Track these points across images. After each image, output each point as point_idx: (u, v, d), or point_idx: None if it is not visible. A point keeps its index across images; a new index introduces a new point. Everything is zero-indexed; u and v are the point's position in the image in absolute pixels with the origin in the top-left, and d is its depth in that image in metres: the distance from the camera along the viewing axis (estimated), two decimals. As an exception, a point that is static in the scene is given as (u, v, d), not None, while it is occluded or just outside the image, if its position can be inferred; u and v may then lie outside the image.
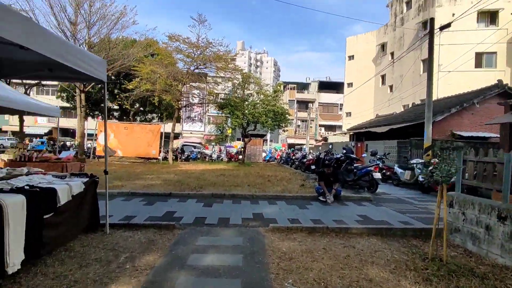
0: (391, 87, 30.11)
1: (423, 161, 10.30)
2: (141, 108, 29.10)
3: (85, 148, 21.54)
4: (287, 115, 20.30)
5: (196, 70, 19.00)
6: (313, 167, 14.54)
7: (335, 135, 31.76)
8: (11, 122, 47.05)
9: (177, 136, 45.87)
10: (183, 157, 26.69)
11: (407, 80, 27.14)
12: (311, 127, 42.85)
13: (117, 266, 3.14)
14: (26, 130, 44.92)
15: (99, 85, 25.82)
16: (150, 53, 20.88)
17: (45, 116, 10.76)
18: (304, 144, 35.72)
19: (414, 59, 25.65)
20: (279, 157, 27.52)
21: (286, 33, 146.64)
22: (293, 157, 20.13)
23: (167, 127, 23.93)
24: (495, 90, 13.42)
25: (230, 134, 42.55)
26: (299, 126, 49.46)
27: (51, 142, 28.27)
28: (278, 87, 20.32)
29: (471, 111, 13.46)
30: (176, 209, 5.86)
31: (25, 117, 51.81)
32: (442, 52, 22.93)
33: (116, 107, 28.85)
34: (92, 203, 4.13)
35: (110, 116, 29.49)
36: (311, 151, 20.26)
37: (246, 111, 19.54)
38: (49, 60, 3.93)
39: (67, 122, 42.71)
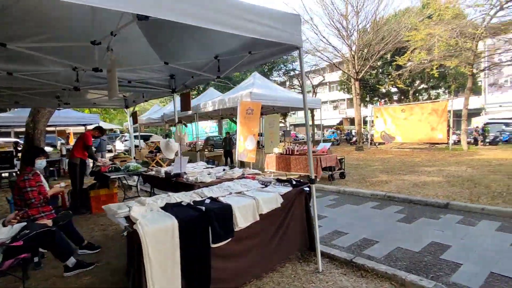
0: None
1: None
2: (423, 85, 25.12)
3: (363, 135, 21.70)
4: None
5: (501, 13, 12.87)
6: None
7: None
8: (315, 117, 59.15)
9: (478, 112, 35.77)
10: (487, 140, 19.84)
11: None
12: None
13: None
14: (324, 122, 54.48)
15: (374, 71, 25.17)
16: (426, 17, 17.09)
17: (309, 109, 11.34)
18: None
19: None
20: None
21: None
22: None
23: (458, 102, 18.54)
24: None
25: None
26: None
27: (338, 131, 31.58)
28: None
29: None
30: (451, 241, 3.32)
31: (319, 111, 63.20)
32: None
33: (394, 89, 26.97)
34: (300, 221, 2.96)
35: (389, 100, 28.06)
36: None
37: None
38: (245, 40, 3.25)
39: (354, 112, 46.74)
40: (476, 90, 30.50)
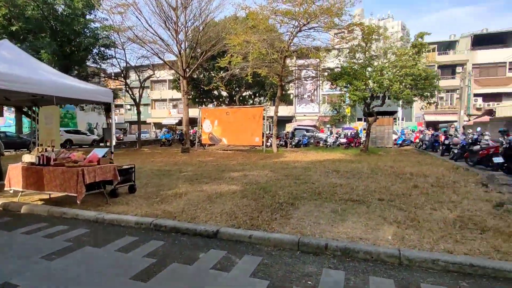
0: None
1: None
2: (249, 92, 27.27)
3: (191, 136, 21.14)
4: (434, 80, 13.73)
5: (300, 34, 14.86)
6: (498, 160, 8.38)
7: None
8: (154, 115, 55.33)
9: (290, 119, 43.12)
10: (293, 144, 23.37)
11: None
12: (457, 99, 32.08)
13: None
14: (163, 121, 51.70)
15: (207, 72, 25.15)
16: (249, 27, 18.04)
17: (97, 103, 9.20)
18: (454, 122, 26.47)
19: None
20: (417, 140, 20.53)
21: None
22: (447, 142, 13.54)
23: (281, 109, 20.90)
24: None
25: (348, 114, 36.56)
26: (441, 98, 38.15)
27: (172, 131, 30.11)
28: (419, 40, 13.82)
29: None
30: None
31: (160, 109, 59.37)
32: None
33: (225, 93, 27.99)
34: None
35: (221, 102, 28.96)
36: (476, 131, 13.04)
37: (369, 80, 14.20)
38: None
39: (193, 112, 46.39)
40: (288, 100, 36.32)
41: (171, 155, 15.90)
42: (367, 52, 14.92)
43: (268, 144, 19.03)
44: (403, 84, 13.23)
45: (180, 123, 50.45)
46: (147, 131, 42.39)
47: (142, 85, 21.64)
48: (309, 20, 13.68)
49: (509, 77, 33.91)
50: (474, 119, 26.71)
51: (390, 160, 11.76)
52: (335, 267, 2.87)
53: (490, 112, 24.32)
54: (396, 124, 30.80)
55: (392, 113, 20.57)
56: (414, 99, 14.12)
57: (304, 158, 13.43)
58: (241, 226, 4.01)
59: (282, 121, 40.17)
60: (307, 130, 26.89)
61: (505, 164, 8.09)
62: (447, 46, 40.05)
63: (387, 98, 14.67)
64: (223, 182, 7.48)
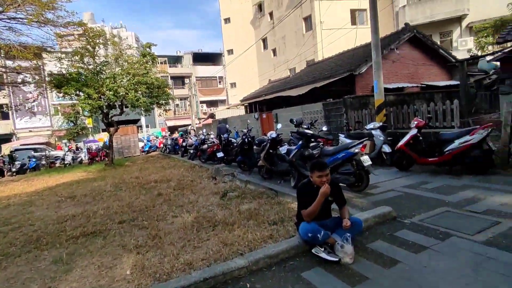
0: (274, 50, 28.09)
1: (380, 124, 7.46)
2: None
3: None
4: (166, 88, 14.78)
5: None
6: (220, 154, 10.18)
7: (228, 108, 27.77)
8: None
9: (8, 138, 32.31)
10: (14, 170, 17.53)
11: (290, 41, 25.43)
12: (189, 105, 37.83)
13: None
14: None
15: None
16: None
17: None
18: (189, 125, 30.67)
19: (295, 18, 23.87)
20: (161, 145, 21.76)
21: (147, 9, 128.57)
22: (184, 144, 15.13)
23: None
24: (407, 34, 12.10)
25: (90, 125, 32.78)
26: (177, 105, 43.37)
27: None
28: (147, 50, 14.30)
29: (391, 59, 11.87)
30: None
31: None
32: (322, 9, 21.71)
33: None
34: None
35: None
36: (202, 132, 15.62)
37: (103, 88, 12.95)
38: None
39: None
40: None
41: None
42: (96, 57, 13.53)
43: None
44: (139, 92, 13.19)
45: None
46: None
47: None
48: (5, 6, 10.33)
49: (221, 88, 44.17)
50: (203, 122, 32.41)
51: (137, 170, 11.38)
52: None
53: (212, 115, 30.42)
54: (141, 132, 31.33)
55: (135, 121, 20.40)
56: (151, 106, 14.52)
57: (27, 188, 10.21)
58: None
59: (-7, 142, 29.41)
60: (36, 150, 21.26)
61: (225, 157, 9.98)
62: (175, 60, 45.77)
63: (125, 106, 14.13)
64: None
